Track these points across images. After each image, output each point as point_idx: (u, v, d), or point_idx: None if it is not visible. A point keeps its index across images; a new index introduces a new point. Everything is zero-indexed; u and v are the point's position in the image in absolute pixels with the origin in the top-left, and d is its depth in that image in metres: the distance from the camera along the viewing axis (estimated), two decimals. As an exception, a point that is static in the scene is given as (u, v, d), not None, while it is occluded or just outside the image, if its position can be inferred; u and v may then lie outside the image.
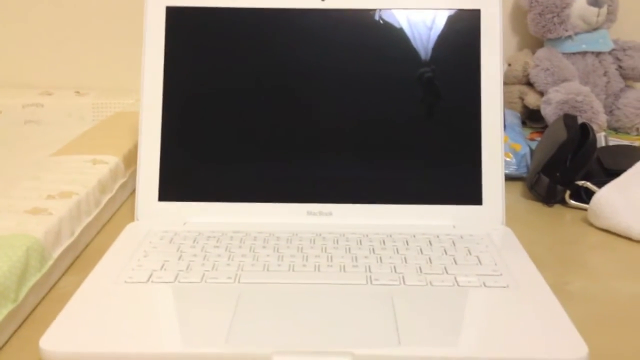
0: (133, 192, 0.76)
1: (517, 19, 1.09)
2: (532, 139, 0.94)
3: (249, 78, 0.67)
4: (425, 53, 0.67)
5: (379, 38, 0.67)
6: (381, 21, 0.67)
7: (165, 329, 0.46)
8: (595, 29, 1.01)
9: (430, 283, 0.53)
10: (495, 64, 0.67)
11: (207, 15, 0.68)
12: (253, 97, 0.67)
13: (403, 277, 0.53)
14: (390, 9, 0.67)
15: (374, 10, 0.67)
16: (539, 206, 0.75)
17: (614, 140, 0.92)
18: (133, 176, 0.76)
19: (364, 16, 0.67)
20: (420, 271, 0.54)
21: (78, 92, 1.05)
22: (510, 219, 0.65)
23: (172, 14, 0.68)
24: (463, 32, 0.67)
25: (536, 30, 1.03)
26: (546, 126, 0.95)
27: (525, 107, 1.03)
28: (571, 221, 0.71)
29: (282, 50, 0.67)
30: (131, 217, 0.66)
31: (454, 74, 0.67)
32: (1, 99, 1.01)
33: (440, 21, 0.67)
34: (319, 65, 0.67)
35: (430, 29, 0.67)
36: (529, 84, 1.03)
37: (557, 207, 0.74)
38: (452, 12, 0.68)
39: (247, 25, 0.68)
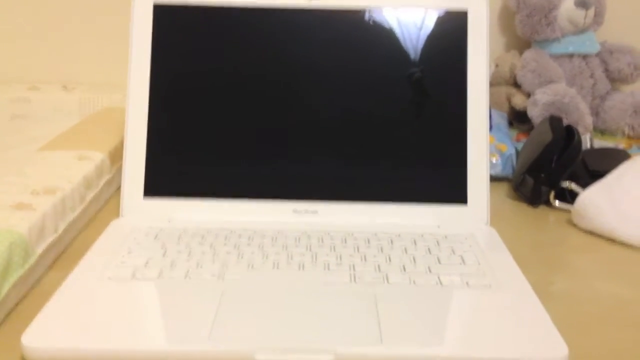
0: (118, 188, 0.75)
1: (505, 20, 1.09)
2: (518, 140, 0.94)
3: (235, 76, 0.67)
4: (412, 52, 0.67)
5: (366, 37, 0.68)
6: (368, 20, 0.67)
7: (148, 325, 0.46)
8: (582, 31, 1.01)
9: (414, 282, 0.53)
10: (481, 64, 0.67)
11: (194, 12, 0.68)
12: (239, 95, 0.67)
13: (387, 276, 0.54)
14: (377, 8, 0.67)
15: (361, 9, 0.67)
16: (524, 207, 0.75)
17: (599, 142, 0.92)
18: (119, 172, 0.75)
19: (351, 15, 0.68)
20: (404, 270, 0.55)
21: (65, 87, 1.04)
22: (495, 219, 0.65)
23: (159, 11, 0.68)
24: (450, 32, 0.68)
25: (524, 32, 1.03)
26: (533, 127, 0.96)
27: (512, 108, 1.03)
28: (555, 222, 0.71)
29: (269, 48, 0.67)
30: (116, 213, 0.66)
31: (441, 73, 0.67)
32: (-13, 94, 1.01)
33: (427, 21, 0.68)
34: (306, 63, 0.67)
35: (418, 28, 0.68)
36: (516, 85, 1.03)
37: (542, 208, 0.75)
38: (439, 12, 0.68)
39: (234, 24, 0.67)
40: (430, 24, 0.68)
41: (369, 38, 0.67)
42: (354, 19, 0.67)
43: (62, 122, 0.95)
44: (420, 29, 0.68)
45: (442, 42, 0.68)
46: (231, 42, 0.67)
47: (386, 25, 0.67)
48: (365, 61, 0.67)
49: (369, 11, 0.67)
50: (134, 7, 0.67)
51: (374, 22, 0.67)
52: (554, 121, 0.76)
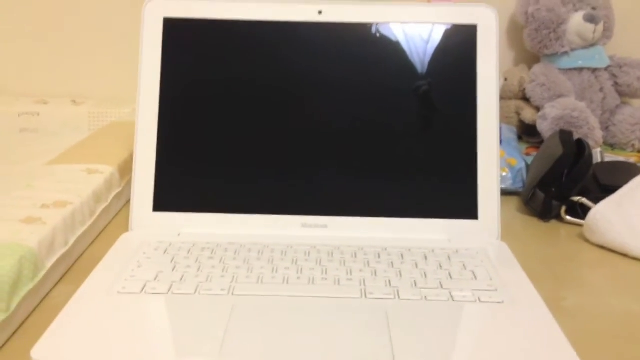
0: (128, 202, 0.76)
1: (514, 34, 1.09)
2: (528, 154, 0.94)
3: (245, 90, 0.67)
4: (422, 67, 0.67)
5: (375, 52, 0.68)
6: (378, 35, 0.67)
7: (158, 340, 0.46)
8: (591, 45, 1.01)
9: (425, 297, 0.52)
10: (491, 78, 0.67)
11: (204, 27, 0.68)
12: (249, 109, 0.67)
13: (398, 291, 0.53)
14: (387, 23, 0.67)
15: (371, 24, 0.67)
16: (534, 221, 0.75)
17: (610, 157, 0.92)
18: (128, 186, 0.75)
19: (361, 30, 0.68)
20: (415, 285, 0.54)
21: (74, 101, 1.05)
22: (506, 234, 0.65)
23: (170, 25, 0.68)
24: (460, 46, 0.68)
25: (532, 46, 1.03)
26: (542, 141, 0.96)
27: (521, 121, 1.03)
28: (567, 237, 0.71)
29: (279, 62, 0.67)
30: (126, 227, 0.65)
31: (451, 88, 0.67)
32: (-3, 107, 1.01)
33: (437, 36, 0.68)
34: (316, 78, 0.67)
35: (427, 43, 0.68)
36: (525, 99, 1.03)
37: (553, 223, 0.74)
38: (448, 27, 0.68)
39: (244, 38, 0.68)
40: (440, 38, 0.68)
41: (378, 52, 0.67)
42: (363, 33, 0.67)
43: (71, 136, 0.95)
44: (431, 43, 0.68)
45: (452, 56, 0.67)
46: (240, 56, 0.67)
47: (396, 40, 0.67)
48: (375, 75, 0.67)
49: (379, 26, 0.67)
50: (144, 21, 0.67)
51: (384, 36, 0.67)
52: (565, 135, 0.76)
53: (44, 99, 1.05)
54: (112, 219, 0.72)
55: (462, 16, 0.68)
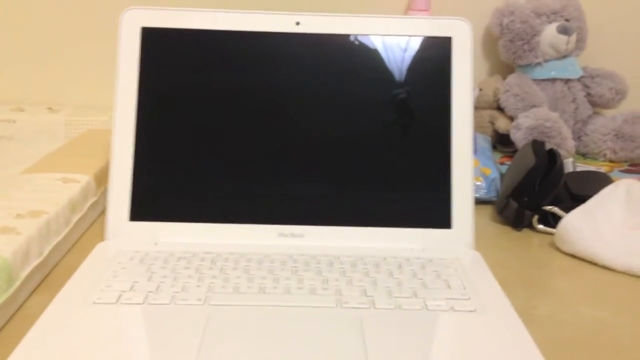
0: (104, 211, 0.75)
1: (488, 45, 1.11)
2: (502, 163, 0.95)
3: (222, 100, 0.67)
4: (398, 78, 0.68)
5: (352, 63, 0.68)
6: (355, 46, 0.68)
7: (134, 351, 0.46)
8: (564, 57, 1.03)
9: (400, 307, 0.53)
10: (465, 89, 0.68)
11: (181, 36, 0.68)
12: (226, 119, 0.67)
13: (373, 301, 0.54)
14: (364, 34, 0.68)
15: (348, 35, 0.68)
16: (507, 230, 0.76)
17: (582, 166, 0.94)
18: (104, 195, 0.75)
19: (338, 41, 0.68)
20: (390, 294, 0.55)
21: (51, 109, 1.04)
22: (480, 243, 0.66)
23: (147, 34, 0.68)
24: (435, 58, 0.69)
25: (507, 57, 1.05)
26: (516, 150, 0.97)
27: (495, 131, 1.04)
28: (538, 245, 0.72)
29: (256, 72, 0.68)
30: (101, 236, 0.65)
31: (426, 98, 0.68)
32: (-28, 115, 1.00)
33: (413, 48, 0.69)
34: (292, 87, 0.68)
35: (403, 54, 0.69)
36: (500, 108, 1.05)
37: (525, 232, 0.75)
38: (424, 39, 0.69)
39: (222, 48, 0.68)
40: (415, 50, 0.69)
41: (355, 64, 0.68)
42: (341, 44, 0.68)
43: (47, 143, 0.95)
44: (407, 55, 0.69)
45: (428, 67, 0.69)
46: (218, 66, 0.68)
47: (373, 51, 0.68)
48: (351, 86, 0.68)
49: (356, 37, 0.68)
50: (122, 30, 0.68)
51: (361, 48, 0.68)
52: (537, 145, 0.77)
53: (20, 106, 1.04)
54: (87, 228, 0.72)
55: (437, 29, 0.69)
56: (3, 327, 0.52)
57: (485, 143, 0.96)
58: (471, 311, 0.53)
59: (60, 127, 1.01)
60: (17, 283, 0.54)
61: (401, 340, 0.48)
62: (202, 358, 0.45)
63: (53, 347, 0.46)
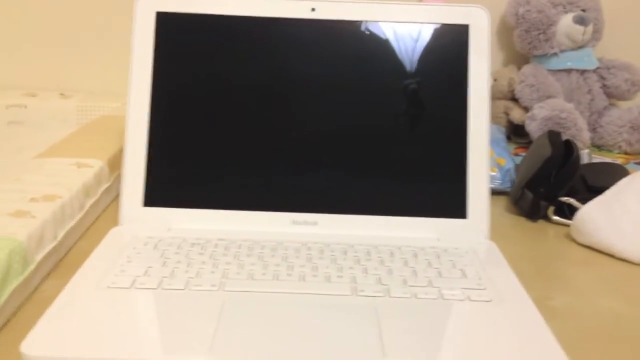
0: (116, 197, 0.75)
1: (504, 35, 1.10)
2: (516, 154, 0.95)
3: (236, 85, 0.67)
4: (414, 66, 0.67)
5: (367, 50, 0.68)
6: (370, 33, 0.68)
7: (148, 335, 0.46)
8: (580, 47, 1.02)
9: (415, 295, 0.53)
10: (482, 78, 0.67)
11: (196, 21, 0.68)
12: (240, 105, 0.67)
13: (388, 289, 0.53)
14: (380, 21, 0.68)
15: (363, 22, 0.68)
16: (522, 221, 0.75)
17: (597, 158, 0.93)
18: (117, 181, 0.75)
19: (353, 27, 0.68)
20: (405, 283, 0.55)
21: (62, 94, 1.04)
22: (494, 233, 0.65)
23: (162, 19, 0.67)
24: (451, 46, 0.68)
25: (522, 47, 1.04)
26: (530, 141, 0.96)
27: (510, 122, 1.04)
28: (554, 237, 0.71)
29: (271, 58, 0.67)
30: (114, 222, 0.65)
31: (442, 87, 0.68)
32: (-16, 99, 1.00)
33: (429, 35, 0.68)
34: (308, 74, 0.67)
35: (419, 42, 0.68)
36: (514, 99, 1.04)
37: (541, 223, 0.75)
38: (441, 27, 0.68)
39: (236, 33, 0.67)
40: (432, 38, 0.68)
41: (370, 51, 0.68)
42: (356, 31, 0.68)
43: (59, 129, 0.95)
44: (423, 42, 0.68)
45: (444, 56, 0.68)
46: (232, 51, 0.67)
47: (388, 39, 0.67)
48: (366, 73, 0.67)
49: (371, 24, 0.68)
50: (136, 15, 0.67)
51: (376, 35, 0.68)
52: (553, 136, 0.77)
53: (32, 91, 1.04)
54: (100, 213, 0.72)
55: (455, 16, 0.68)
56: (17, 310, 0.52)
57: (500, 133, 0.95)
58: (487, 301, 0.52)
59: (72, 112, 1.02)
60: (32, 266, 0.54)
61: (417, 329, 0.48)
62: (218, 343, 0.45)
63: (67, 330, 0.46)
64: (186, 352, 0.44)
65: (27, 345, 0.44)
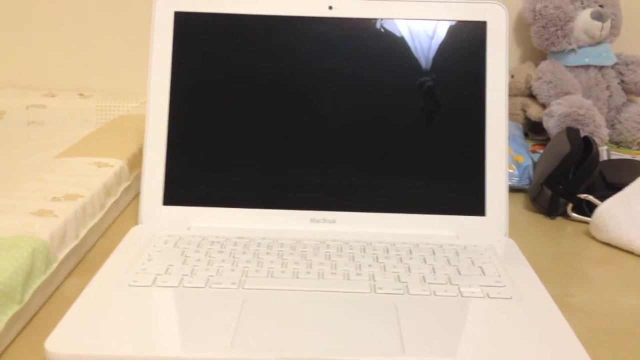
0: (136, 195, 0.76)
1: (521, 31, 1.09)
2: (534, 151, 0.94)
3: (255, 84, 0.67)
4: (432, 63, 0.67)
5: (385, 47, 0.68)
6: (388, 31, 0.68)
7: (169, 333, 0.46)
8: (598, 43, 1.01)
9: (434, 293, 0.53)
10: (500, 75, 0.67)
11: (215, 21, 0.68)
12: (259, 103, 0.67)
13: (407, 287, 0.53)
14: (397, 19, 0.68)
15: (381, 19, 0.68)
16: (540, 218, 0.75)
17: (616, 154, 0.92)
18: (137, 180, 0.76)
19: (371, 25, 0.68)
20: (424, 281, 0.55)
21: (82, 94, 1.05)
22: (512, 231, 0.65)
23: (180, 19, 0.68)
24: (469, 43, 0.68)
25: (539, 43, 1.03)
26: (548, 138, 0.96)
27: (527, 118, 1.03)
28: (573, 234, 0.71)
29: (289, 57, 0.68)
30: (134, 220, 0.66)
31: (460, 84, 0.68)
32: (5, 100, 1.02)
33: (446, 32, 0.68)
34: (326, 73, 0.67)
35: (437, 39, 0.68)
36: (532, 95, 1.03)
37: (559, 220, 0.74)
38: (458, 24, 0.68)
39: (255, 32, 0.68)
40: (449, 34, 0.68)
41: (388, 48, 0.68)
42: (373, 28, 0.68)
43: (78, 129, 0.96)
44: (440, 39, 0.68)
45: (461, 53, 0.68)
46: (250, 50, 0.68)
47: (406, 36, 0.67)
48: (383, 71, 0.67)
49: (389, 22, 0.68)
50: (155, 14, 0.68)
51: (394, 32, 0.68)
52: (572, 132, 0.76)
53: (51, 92, 1.05)
54: (121, 212, 0.73)
55: (472, 13, 0.68)
56: (41, 308, 0.53)
57: (517, 130, 0.95)
58: (507, 298, 0.52)
59: (91, 112, 1.02)
60: (55, 265, 0.54)
61: (437, 327, 0.48)
62: (239, 341, 0.45)
63: (91, 327, 0.47)
64: (207, 349, 0.45)
65: (51, 343, 0.45)
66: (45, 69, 1.11)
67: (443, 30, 0.68)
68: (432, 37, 0.68)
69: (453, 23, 0.68)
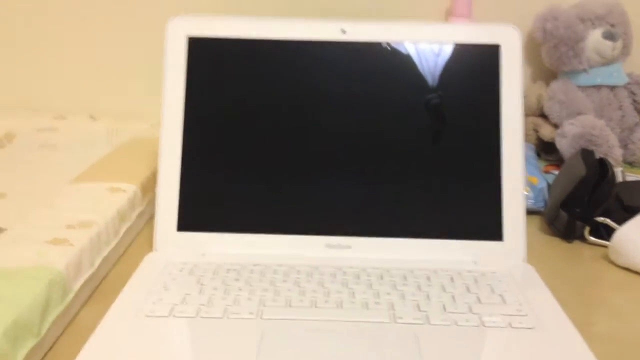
0: (149, 221, 0.75)
1: (531, 51, 1.09)
2: (547, 172, 0.94)
3: (268, 108, 0.67)
4: (445, 86, 0.67)
5: (399, 70, 0.67)
6: (402, 54, 0.67)
7: (189, 366, 0.46)
8: (609, 63, 1.01)
9: (455, 323, 0.52)
10: (515, 99, 0.67)
11: (227, 45, 0.68)
12: (272, 128, 0.67)
13: (427, 316, 0.53)
14: (411, 42, 0.67)
15: (394, 43, 0.67)
16: (557, 241, 0.74)
17: (631, 176, 0.92)
18: (150, 205, 0.75)
19: (384, 49, 0.67)
20: (445, 310, 0.54)
21: (92, 117, 1.05)
22: (529, 254, 0.64)
23: (193, 43, 0.68)
24: (483, 66, 0.68)
25: (551, 63, 1.03)
26: (560, 158, 0.95)
27: (539, 139, 1.03)
28: (590, 258, 0.70)
29: (303, 81, 0.67)
30: (148, 246, 0.65)
31: (474, 107, 0.67)
32: (15, 121, 1.01)
33: (460, 55, 0.68)
34: (340, 97, 0.67)
35: (451, 62, 0.68)
36: (543, 115, 1.03)
37: (576, 243, 0.74)
38: (472, 47, 0.68)
39: (267, 56, 0.68)
40: (463, 57, 0.68)
41: (402, 71, 0.67)
42: (386, 52, 0.67)
43: (89, 151, 0.95)
44: (454, 62, 0.68)
45: (475, 76, 0.67)
46: (264, 74, 0.67)
47: (419, 59, 0.67)
48: (397, 94, 0.67)
49: (402, 45, 0.67)
50: (168, 39, 0.67)
51: (407, 55, 0.67)
52: (587, 154, 0.76)
53: (61, 114, 1.05)
54: (134, 238, 0.72)
55: (485, 36, 0.68)
56: (57, 339, 0.52)
57: (530, 151, 0.94)
58: (530, 328, 0.51)
59: (102, 135, 1.02)
60: (71, 295, 0.54)
61: (460, 358, 0.47)
62: (259, 374, 0.45)
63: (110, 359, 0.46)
64: (228, 383, 0.44)
65: (70, 377, 0.44)
66: (55, 91, 1.11)
67: (457, 53, 0.68)
68: (445, 60, 0.67)
69: (467, 46, 0.68)
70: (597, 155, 0.77)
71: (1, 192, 0.79)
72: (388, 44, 0.68)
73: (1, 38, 1.10)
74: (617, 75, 1.01)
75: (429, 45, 0.68)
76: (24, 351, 0.46)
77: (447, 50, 0.68)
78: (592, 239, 0.73)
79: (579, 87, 1.00)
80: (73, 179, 0.75)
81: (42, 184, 0.82)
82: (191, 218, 0.65)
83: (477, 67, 0.68)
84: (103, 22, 1.09)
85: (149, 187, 0.76)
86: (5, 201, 0.78)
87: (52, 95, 1.11)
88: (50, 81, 1.11)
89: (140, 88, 1.09)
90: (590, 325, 0.56)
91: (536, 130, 1.03)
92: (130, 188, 0.72)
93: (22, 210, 0.66)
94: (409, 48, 0.67)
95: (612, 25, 1.00)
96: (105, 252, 0.62)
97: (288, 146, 0.66)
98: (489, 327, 0.52)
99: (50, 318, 0.50)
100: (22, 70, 1.11)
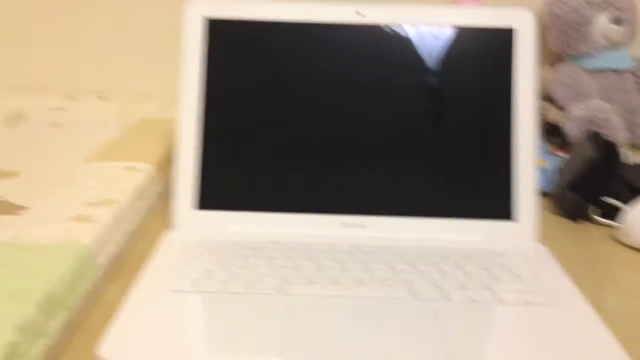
0: (165, 200, 0.76)
1: (538, 34, 1.10)
2: (553, 154, 0.95)
3: (285, 89, 0.68)
4: (459, 68, 0.68)
5: (413, 53, 0.68)
6: (416, 37, 0.68)
7: (219, 339, 0.47)
8: (615, 47, 1.02)
9: (473, 299, 0.53)
10: (529, 82, 0.68)
11: (244, 27, 0.69)
12: (289, 109, 0.68)
13: (445, 293, 0.54)
14: (425, 24, 0.68)
15: (409, 25, 0.68)
16: (565, 222, 0.76)
17: (637, 157, 0.93)
18: (166, 184, 0.76)
19: (400, 31, 0.68)
20: (462, 287, 0.55)
21: (101, 97, 1.05)
22: (539, 235, 0.66)
23: (210, 25, 0.68)
24: (496, 49, 0.69)
25: (557, 46, 1.04)
26: (565, 141, 0.96)
27: (544, 121, 1.04)
28: (599, 238, 0.72)
29: (320, 63, 0.68)
30: (165, 225, 0.66)
31: (488, 89, 0.68)
32: (25, 101, 1.02)
33: (474, 38, 0.69)
34: (357, 78, 0.68)
35: (464, 45, 0.68)
36: (549, 99, 1.04)
37: (584, 224, 0.75)
38: (485, 30, 0.69)
39: (284, 38, 0.68)
40: (477, 41, 0.69)
41: (417, 53, 0.68)
42: (402, 34, 0.68)
43: (98, 131, 0.95)
44: (468, 45, 0.68)
45: (489, 59, 0.68)
46: (282, 56, 0.68)
47: (435, 42, 0.68)
48: (412, 77, 0.68)
49: (418, 27, 0.68)
50: (185, 20, 0.68)
51: (423, 37, 0.68)
52: (595, 137, 0.77)
53: (71, 94, 1.05)
54: (151, 216, 0.73)
55: (500, 19, 0.69)
56: (87, 315, 0.53)
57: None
58: (545, 305, 0.53)
59: (111, 115, 1.02)
60: (98, 270, 0.55)
61: (479, 334, 0.49)
62: (286, 346, 0.46)
63: (141, 333, 0.47)
64: (258, 354, 0.45)
65: (104, 349, 0.45)
66: (64, 71, 1.11)
67: (471, 36, 0.69)
68: (460, 43, 0.68)
69: (481, 29, 0.69)
70: (603, 137, 0.78)
71: (15, 170, 0.80)
72: (403, 26, 0.68)
73: (12, 19, 1.10)
74: (623, 59, 1.02)
75: (443, 28, 0.68)
76: (56, 323, 0.47)
77: (463, 33, 0.69)
78: (601, 219, 0.74)
79: (585, 70, 1.01)
80: (88, 158, 0.76)
81: (54, 163, 0.82)
82: (209, 196, 0.66)
83: (491, 50, 0.69)
84: (113, 2, 1.09)
85: (164, 166, 0.76)
86: (20, 180, 0.78)
87: (61, 76, 1.11)
88: (59, 62, 1.11)
89: (149, 68, 1.09)
90: (602, 302, 0.57)
91: (542, 113, 1.04)
92: (145, 167, 0.73)
93: (37, 189, 0.66)
94: (425, 30, 0.68)
95: (619, 10, 1.01)
96: (126, 230, 0.63)
97: (305, 126, 0.67)
98: (506, 303, 0.53)
99: (80, 292, 0.51)
100: (32, 51, 1.11)
